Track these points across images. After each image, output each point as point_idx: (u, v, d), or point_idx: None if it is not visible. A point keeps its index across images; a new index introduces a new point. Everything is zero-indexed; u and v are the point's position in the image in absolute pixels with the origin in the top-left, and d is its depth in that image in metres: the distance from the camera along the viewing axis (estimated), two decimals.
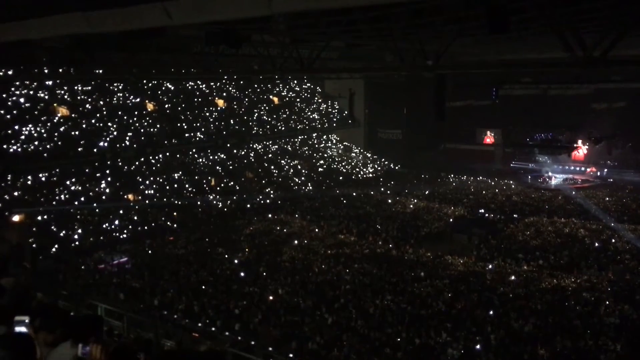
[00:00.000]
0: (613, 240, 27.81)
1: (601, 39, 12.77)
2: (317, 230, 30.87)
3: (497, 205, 36.78)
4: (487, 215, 34.44)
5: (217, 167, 40.39)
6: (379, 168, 52.07)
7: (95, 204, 30.25)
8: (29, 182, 29.64)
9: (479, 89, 46.67)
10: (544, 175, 48.08)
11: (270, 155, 45.83)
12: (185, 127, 40.14)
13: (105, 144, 33.71)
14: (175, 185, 35.61)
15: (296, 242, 28.22)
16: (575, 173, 48.26)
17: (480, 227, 30.93)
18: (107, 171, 33.16)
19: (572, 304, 19.85)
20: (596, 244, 27.31)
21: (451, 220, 33.29)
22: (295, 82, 53.82)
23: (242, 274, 23.17)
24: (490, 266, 24.38)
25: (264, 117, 47.67)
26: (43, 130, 31.66)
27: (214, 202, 35.36)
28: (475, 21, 14.78)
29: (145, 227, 30.19)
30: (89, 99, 35.60)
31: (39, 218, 27.83)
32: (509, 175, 48.45)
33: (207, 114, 42.99)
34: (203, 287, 21.58)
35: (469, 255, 26.30)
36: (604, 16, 15.06)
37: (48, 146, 31.03)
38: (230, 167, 41.18)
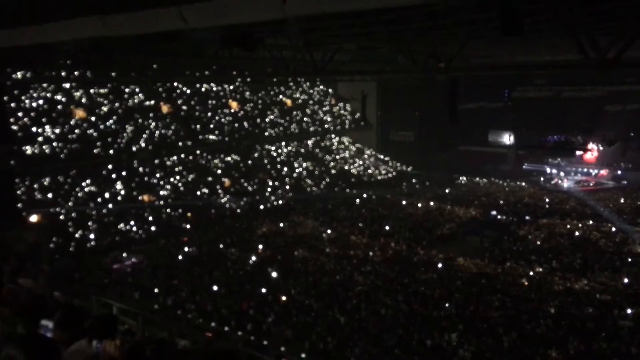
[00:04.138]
0: (627, 243, 27.57)
1: (615, 41, 12.77)
2: (329, 231, 30.95)
3: (509, 207, 36.59)
4: (499, 217, 34.28)
5: (231, 169, 40.65)
6: (391, 170, 52.02)
7: (111, 205, 30.66)
8: (47, 183, 30.12)
9: (491, 91, 46.65)
10: (556, 177, 47.72)
11: (283, 157, 46.01)
12: (200, 129, 40.49)
13: (121, 146, 34.14)
14: (190, 187, 35.93)
15: (308, 243, 28.34)
16: (588, 175, 47.81)
17: (492, 229, 30.79)
18: (123, 172, 33.60)
19: (586, 307, 19.75)
20: (610, 247, 27.11)
21: (463, 221, 33.22)
22: (308, 84, 53.98)
23: (254, 275, 23.35)
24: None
25: (277, 119, 47.89)
26: (60, 132, 32.15)
27: (228, 203, 35.62)
28: (488, 23, 14.84)
29: (160, 228, 30.51)
30: (105, 101, 36.08)
31: (56, 218, 28.27)
32: (521, 177, 48.09)
33: (221, 116, 43.31)
34: (216, 287, 21.79)
35: (481, 257, 26.22)
36: (618, 18, 15.03)
37: (65, 148, 31.50)
38: (244, 169, 41.43)
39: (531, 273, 23.69)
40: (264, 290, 21.48)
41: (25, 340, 3.36)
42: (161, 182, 35.13)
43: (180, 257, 26.42)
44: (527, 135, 51.35)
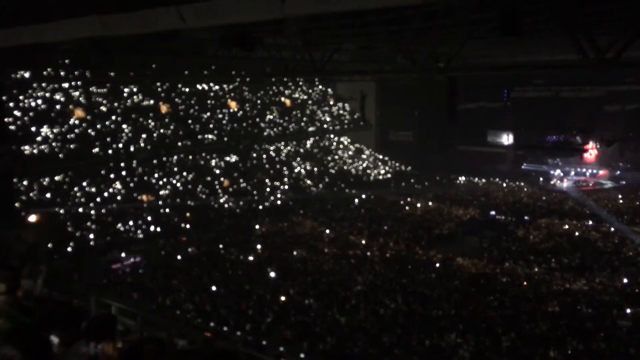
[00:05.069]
0: (626, 243, 27.59)
1: (614, 41, 12.78)
2: (328, 231, 30.95)
3: (508, 207, 36.61)
4: (498, 217, 34.30)
5: (230, 169, 40.65)
6: (390, 170, 52.03)
7: (109, 205, 30.62)
8: (45, 183, 30.08)
9: (490, 91, 46.71)
10: (555, 177, 47.75)
11: (282, 157, 46.01)
12: (199, 128, 40.47)
13: (120, 146, 34.11)
14: (189, 187, 35.92)
15: (307, 243, 28.34)
16: (587, 175, 47.87)
17: (491, 229, 30.80)
18: (122, 172, 33.58)
19: (585, 307, 19.77)
20: (608, 247, 27.13)
21: (462, 221, 33.23)
22: (307, 84, 53.96)
23: (253, 275, 23.34)
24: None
25: (276, 119, 47.88)
26: (59, 132, 32.12)
27: (227, 203, 35.61)
28: (487, 24, 14.84)
29: (159, 228, 30.48)
30: (104, 101, 36.04)
31: (55, 218, 28.24)
32: (520, 177, 48.11)
33: (220, 115, 43.28)
34: (215, 287, 21.78)
35: (480, 257, 26.23)
36: (617, 18, 15.05)
37: (64, 147, 31.47)
38: (242, 169, 41.42)
39: (530, 273, 23.71)
40: (262, 290, 21.47)
41: (23, 340, 3.34)
42: (160, 182, 35.10)
43: (179, 257, 26.41)
44: (526, 135, 51.36)
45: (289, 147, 47.91)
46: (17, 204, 27.05)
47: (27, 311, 5.24)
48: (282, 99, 50.91)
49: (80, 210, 29.44)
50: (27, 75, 30.47)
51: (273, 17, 8.69)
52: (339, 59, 30.12)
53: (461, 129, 46.75)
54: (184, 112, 40.68)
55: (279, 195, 38.86)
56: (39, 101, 32.56)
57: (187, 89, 42.03)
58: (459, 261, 25.58)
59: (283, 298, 20.68)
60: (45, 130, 31.53)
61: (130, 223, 30.08)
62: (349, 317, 18.83)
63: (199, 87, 43.32)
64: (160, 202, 33.00)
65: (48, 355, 3.47)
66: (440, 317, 18.92)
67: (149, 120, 37.70)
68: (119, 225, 29.71)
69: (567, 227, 31.16)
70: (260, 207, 36.10)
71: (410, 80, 42.77)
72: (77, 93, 34.67)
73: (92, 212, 29.82)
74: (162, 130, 37.68)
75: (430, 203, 38.22)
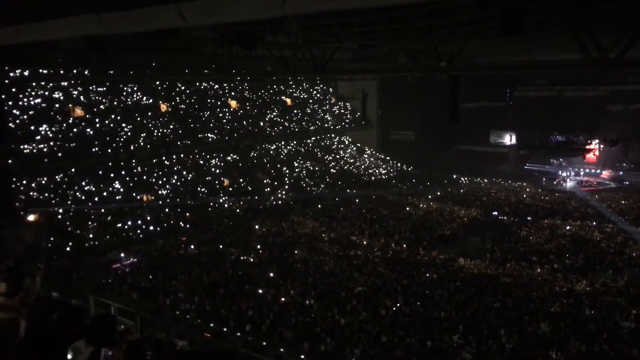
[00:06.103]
0: (629, 244, 27.42)
1: (617, 40, 12.63)
2: (329, 231, 30.80)
3: (510, 207, 36.45)
4: (500, 217, 34.15)
5: (230, 168, 40.52)
6: (392, 169, 51.89)
7: (109, 204, 30.50)
8: (44, 182, 29.95)
9: (493, 91, 46.53)
10: (558, 177, 47.57)
11: (282, 156, 45.88)
12: (199, 127, 40.33)
13: (120, 145, 33.98)
14: (189, 186, 35.78)
15: (308, 243, 28.20)
16: (590, 175, 47.67)
17: (493, 229, 30.65)
18: (122, 171, 33.45)
19: (587, 308, 19.63)
20: (611, 248, 26.96)
21: (464, 222, 33.08)
22: (308, 83, 53.82)
23: (254, 275, 23.22)
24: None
25: (277, 118, 47.75)
26: (58, 131, 31.99)
27: (227, 202, 35.47)
28: (490, 23, 14.70)
29: (159, 228, 30.35)
30: (104, 100, 35.92)
31: (54, 218, 28.11)
32: (523, 177, 47.98)
33: (220, 115, 43.17)
34: (215, 287, 21.66)
35: (482, 258, 26.08)
36: (621, 17, 14.89)
37: (63, 146, 31.34)
38: (243, 168, 41.29)
39: (533, 274, 23.55)
40: (263, 290, 21.35)
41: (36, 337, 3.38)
42: (160, 182, 34.97)
43: (178, 257, 26.28)
44: (529, 135, 51.23)
45: (289, 147, 47.77)
46: (16, 204, 26.96)
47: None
48: (283, 97, 50.79)
49: (80, 209, 29.30)
50: (26, 73, 30.35)
51: (274, 16, 8.54)
52: (340, 57, 29.97)
53: (463, 129, 46.62)
54: (184, 111, 40.58)
55: (279, 195, 38.73)
56: (38, 100, 32.45)
57: (187, 88, 41.90)
58: (460, 262, 25.45)
59: (283, 299, 20.58)
60: (44, 129, 31.41)
61: (130, 222, 29.95)
62: (350, 318, 18.71)
63: (199, 85, 43.20)
64: (160, 202, 32.86)
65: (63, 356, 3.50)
66: (442, 318, 18.80)
67: (149, 119, 37.58)
68: (119, 224, 29.59)
69: (569, 227, 31.01)
70: (261, 207, 35.96)
71: (412, 79, 42.58)
72: (76, 92, 34.56)
73: (92, 211, 29.69)
74: (162, 129, 37.56)
75: (432, 203, 38.08)
